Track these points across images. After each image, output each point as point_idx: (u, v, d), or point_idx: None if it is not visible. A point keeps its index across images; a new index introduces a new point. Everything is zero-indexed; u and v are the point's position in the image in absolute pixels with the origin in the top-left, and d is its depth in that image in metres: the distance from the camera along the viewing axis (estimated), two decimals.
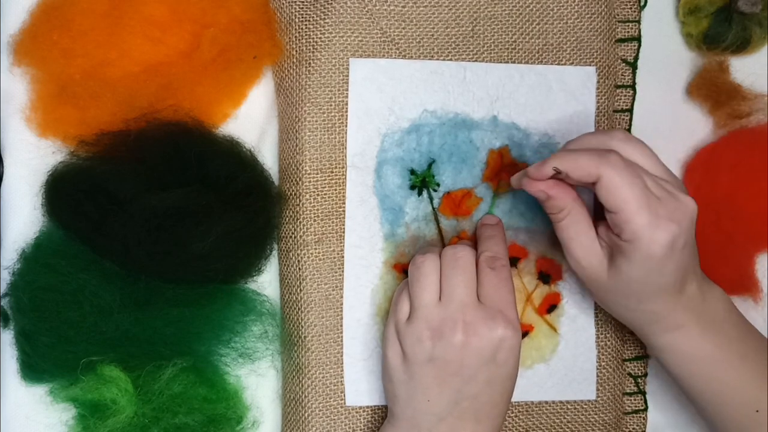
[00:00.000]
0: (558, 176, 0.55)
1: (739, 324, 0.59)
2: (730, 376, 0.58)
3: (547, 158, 0.56)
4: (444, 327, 0.55)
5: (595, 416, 0.65)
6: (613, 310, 0.61)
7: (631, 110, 0.67)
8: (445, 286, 0.57)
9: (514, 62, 0.65)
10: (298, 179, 0.63)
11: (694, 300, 0.57)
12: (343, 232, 0.63)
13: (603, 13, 0.66)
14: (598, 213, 0.58)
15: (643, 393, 0.67)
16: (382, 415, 0.64)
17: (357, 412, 0.64)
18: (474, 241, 0.64)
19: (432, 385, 0.56)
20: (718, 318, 0.58)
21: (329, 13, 0.62)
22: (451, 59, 0.64)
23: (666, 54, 0.68)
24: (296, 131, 0.63)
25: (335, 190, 0.63)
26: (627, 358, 0.67)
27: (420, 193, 0.64)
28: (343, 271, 0.63)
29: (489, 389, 0.56)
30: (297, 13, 0.63)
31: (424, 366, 0.56)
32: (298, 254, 0.63)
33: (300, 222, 0.63)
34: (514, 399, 0.64)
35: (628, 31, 0.67)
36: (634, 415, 0.67)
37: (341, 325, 0.63)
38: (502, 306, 0.56)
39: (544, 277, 0.65)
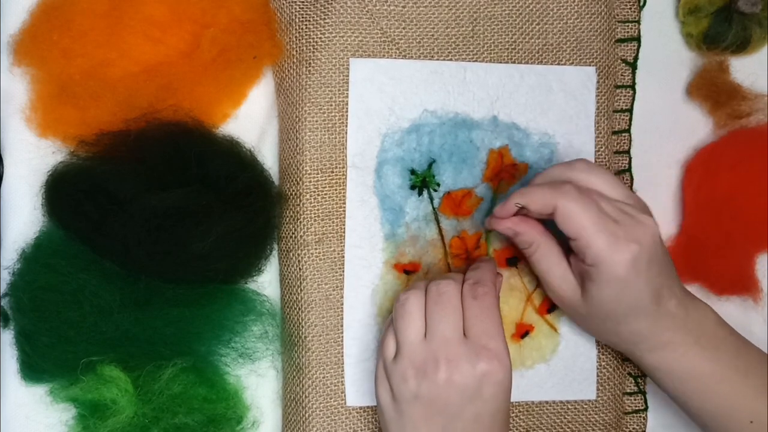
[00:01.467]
0: (522, 212, 0.58)
1: (729, 337, 0.59)
2: (722, 391, 0.58)
3: (509, 196, 0.58)
4: (427, 365, 0.55)
5: (596, 416, 0.65)
6: (598, 335, 0.62)
7: (631, 110, 0.67)
8: (429, 322, 0.56)
9: (514, 62, 0.65)
10: (298, 179, 0.63)
11: (677, 317, 0.58)
12: (344, 232, 0.63)
13: (603, 13, 0.66)
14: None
15: (643, 393, 0.67)
16: None
17: (358, 413, 0.63)
18: (472, 243, 0.64)
19: (420, 422, 0.55)
20: (705, 333, 0.58)
21: (329, 13, 0.62)
22: (451, 59, 0.64)
23: (666, 54, 0.68)
24: (296, 131, 0.63)
25: (335, 190, 0.63)
26: (627, 358, 0.67)
27: (420, 193, 0.64)
28: (343, 272, 0.63)
29: (478, 425, 0.55)
30: (297, 13, 0.63)
31: (410, 404, 0.55)
32: (298, 254, 0.63)
33: (300, 222, 0.63)
34: (514, 399, 0.65)
35: (628, 32, 0.67)
36: (635, 415, 0.67)
37: (342, 326, 0.63)
38: (487, 338, 0.55)
39: None
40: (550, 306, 0.65)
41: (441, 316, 0.56)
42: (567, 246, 0.58)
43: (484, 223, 0.62)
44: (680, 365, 0.58)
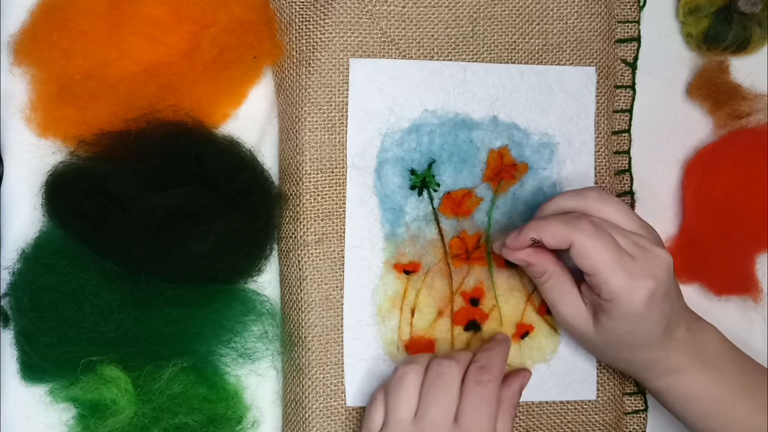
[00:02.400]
0: (536, 244, 0.57)
1: (734, 357, 0.59)
2: (730, 412, 0.58)
3: (522, 226, 0.57)
4: None
5: (596, 416, 0.65)
6: (607, 362, 0.62)
7: (630, 110, 0.67)
8: (422, 401, 0.55)
9: (514, 62, 0.65)
10: (298, 179, 0.63)
11: (685, 342, 0.58)
12: (344, 233, 0.63)
13: (603, 14, 0.66)
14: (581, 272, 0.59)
15: (643, 393, 0.67)
16: None
17: (358, 413, 0.63)
18: (473, 243, 0.64)
19: None
20: (712, 355, 0.59)
21: (329, 13, 0.62)
22: (451, 59, 0.64)
23: (666, 54, 0.68)
24: (296, 131, 0.63)
25: (335, 190, 0.63)
26: None
27: (420, 193, 0.64)
28: (343, 272, 0.63)
29: None
30: (297, 13, 0.63)
31: None
32: (298, 254, 0.63)
33: (300, 222, 0.63)
34: None
35: (628, 32, 0.67)
36: (634, 415, 0.67)
37: (342, 326, 0.63)
38: (476, 431, 0.55)
39: None
40: None
41: (434, 398, 0.55)
42: (578, 273, 0.58)
43: (494, 249, 0.61)
44: (687, 388, 0.58)
